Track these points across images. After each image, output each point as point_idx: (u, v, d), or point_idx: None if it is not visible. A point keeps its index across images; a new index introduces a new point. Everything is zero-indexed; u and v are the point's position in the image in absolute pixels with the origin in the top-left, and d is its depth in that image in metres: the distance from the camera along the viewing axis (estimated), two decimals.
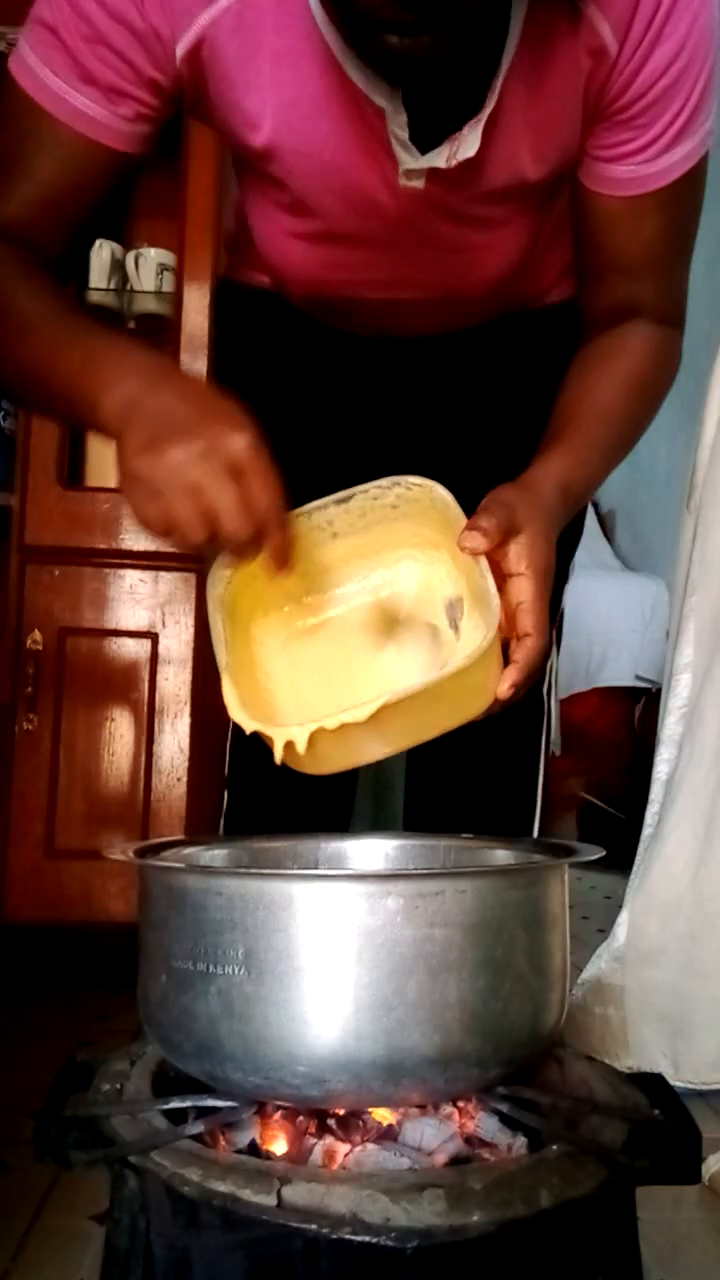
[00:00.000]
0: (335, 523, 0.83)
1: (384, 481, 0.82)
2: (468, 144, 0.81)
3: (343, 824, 1.16)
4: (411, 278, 0.97)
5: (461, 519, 0.77)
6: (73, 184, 0.85)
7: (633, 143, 0.84)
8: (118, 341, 0.80)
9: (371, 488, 0.82)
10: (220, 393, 0.76)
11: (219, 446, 0.71)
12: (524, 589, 0.76)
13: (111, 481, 2.02)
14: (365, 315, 1.03)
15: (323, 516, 0.83)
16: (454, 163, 0.81)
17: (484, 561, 0.75)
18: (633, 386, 0.93)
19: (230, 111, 0.84)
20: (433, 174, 0.84)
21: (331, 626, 0.86)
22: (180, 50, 0.79)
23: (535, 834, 1.18)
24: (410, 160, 0.82)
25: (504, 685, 0.74)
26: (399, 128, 0.80)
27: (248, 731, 0.72)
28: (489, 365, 1.10)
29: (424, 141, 0.82)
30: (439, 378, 1.10)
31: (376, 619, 0.85)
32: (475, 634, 0.79)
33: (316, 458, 1.09)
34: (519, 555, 0.76)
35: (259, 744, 0.73)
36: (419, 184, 0.84)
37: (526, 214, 0.94)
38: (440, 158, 0.81)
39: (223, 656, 0.76)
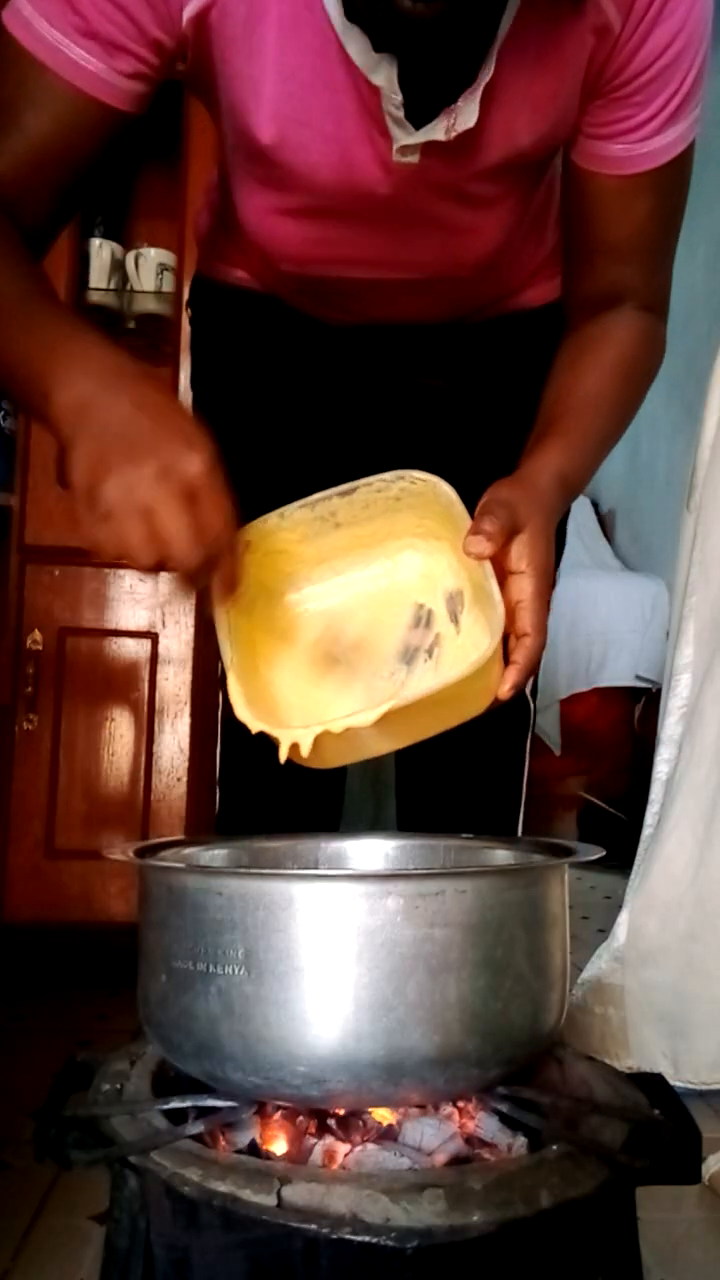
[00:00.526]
0: (338, 513, 0.83)
1: (388, 475, 0.82)
2: (466, 115, 0.81)
3: (333, 823, 1.16)
4: (401, 257, 0.97)
5: (465, 516, 0.77)
6: (63, 140, 0.83)
7: (628, 121, 0.85)
8: (81, 334, 0.77)
9: (376, 480, 0.83)
10: (176, 403, 0.74)
11: (173, 468, 0.69)
12: (524, 587, 0.76)
13: None
14: (352, 297, 1.03)
15: (326, 507, 0.83)
16: (453, 134, 0.81)
17: (488, 564, 0.75)
18: (622, 374, 0.93)
19: (233, 78, 0.83)
20: (428, 149, 0.84)
21: (333, 615, 0.86)
22: (189, 12, 0.79)
23: (520, 827, 1.19)
24: (405, 136, 0.82)
25: (505, 687, 0.75)
26: (394, 106, 0.80)
27: (253, 731, 0.72)
28: (470, 362, 1.10)
29: (419, 118, 0.82)
30: (420, 372, 1.10)
31: (321, 652, 0.85)
32: (475, 629, 0.79)
33: (297, 452, 1.09)
34: (520, 554, 0.76)
35: (250, 745, 0.73)
36: (413, 159, 0.84)
37: (515, 194, 0.94)
38: (439, 130, 0.81)
39: (228, 652, 0.77)
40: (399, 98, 0.80)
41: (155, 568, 0.71)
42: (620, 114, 0.85)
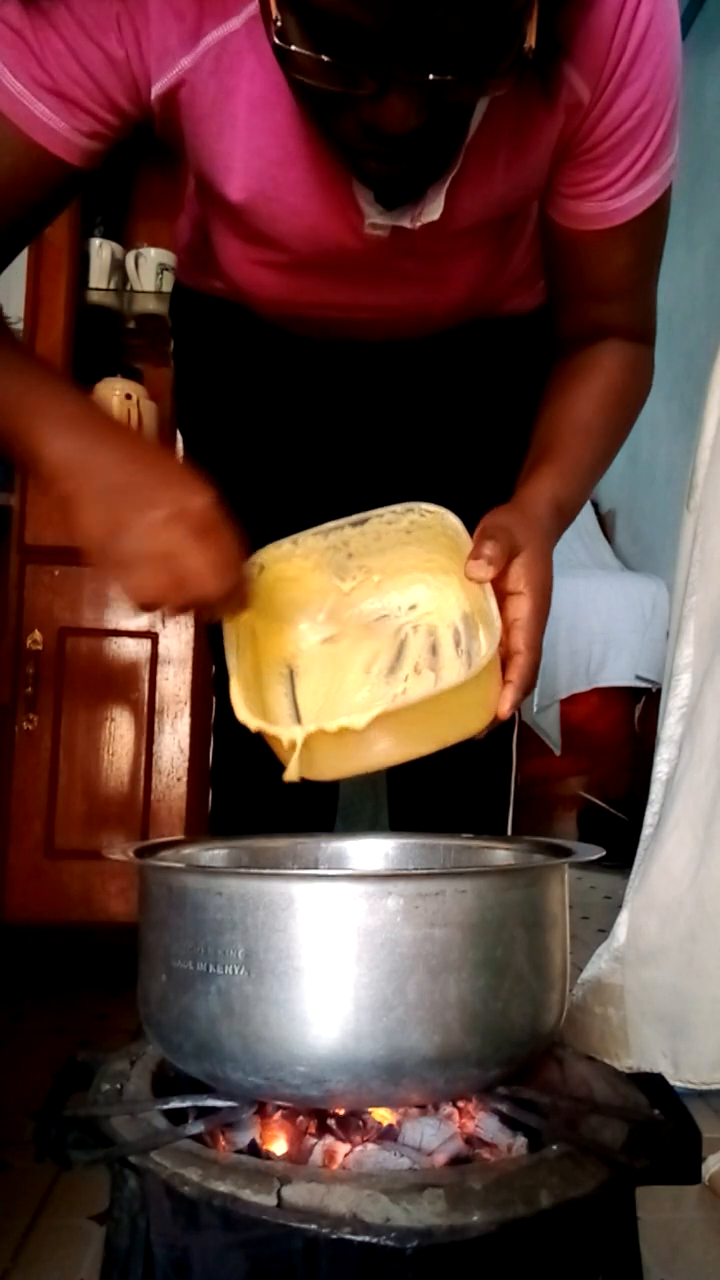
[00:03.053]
0: (350, 543, 0.86)
1: (398, 507, 0.85)
2: (432, 208, 0.82)
3: (327, 823, 1.16)
4: (376, 303, 0.98)
5: (470, 546, 0.78)
6: (12, 189, 0.81)
7: (597, 181, 0.85)
8: (52, 384, 0.80)
9: (386, 512, 0.85)
10: (163, 449, 0.77)
11: (180, 510, 0.73)
12: (521, 607, 0.78)
13: None
14: (330, 329, 1.05)
15: (339, 537, 0.86)
16: (419, 224, 0.83)
17: (488, 586, 0.77)
18: (611, 402, 0.95)
19: (202, 152, 0.84)
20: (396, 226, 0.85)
21: (342, 645, 0.87)
22: (157, 90, 0.78)
23: (509, 825, 1.21)
24: (375, 215, 0.83)
25: (505, 705, 0.76)
26: (362, 192, 0.81)
27: (252, 729, 0.73)
28: (452, 371, 1.10)
29: (390, 198, 0.82)
30: (402, 383, 1.11)
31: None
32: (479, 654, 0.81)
33: (280, 464, 1.09)
34: (518, 575, 0.78)
35: (244, 744, 0.75)
36: (384, 234, 0.85)
37: (488, 246, 0.96)
38: (405, 218, 0.83)
39: (233, 660, 0.78)
40: (370, 191, 0.81)
41: (185, 608, 0.75)
42: (589, 175, 0.85)
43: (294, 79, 0.67)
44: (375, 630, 0.88)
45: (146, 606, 0.75)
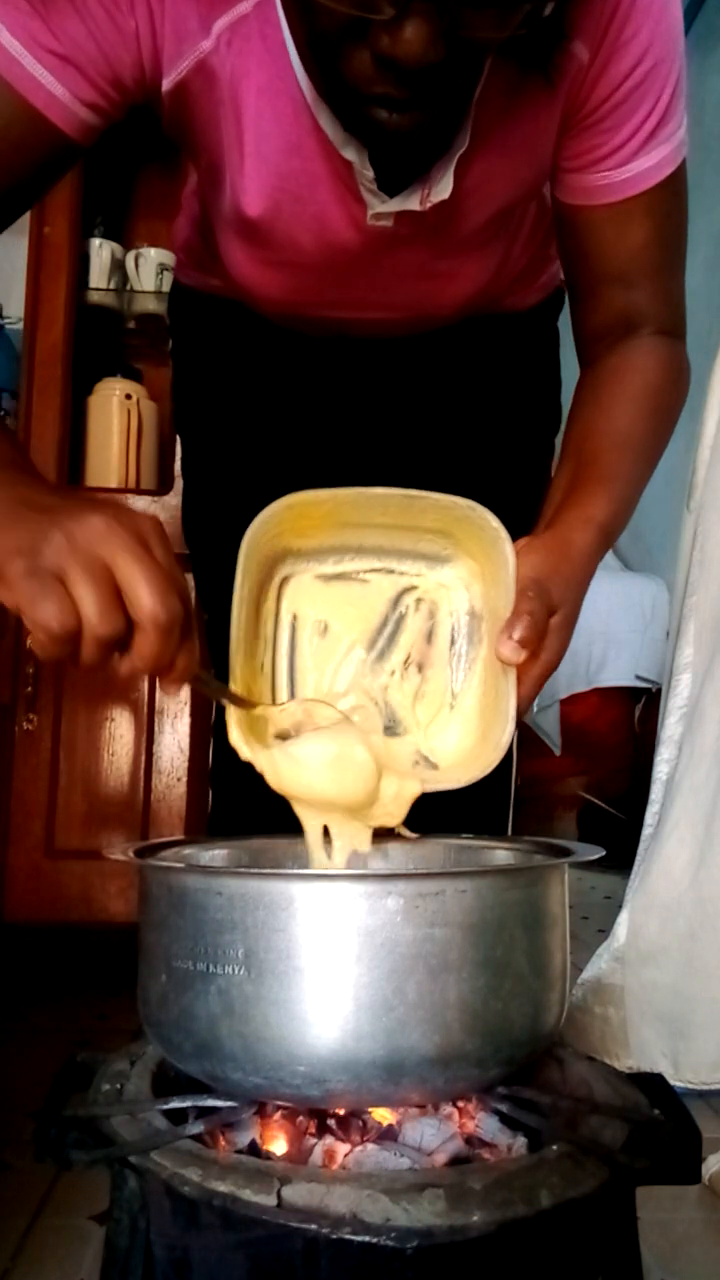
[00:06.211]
0: (390, 509, 0.80)
1: (461, 500, 0.78)
2: (442, 185, 0.80)
3: None
4: (381, 301, 0.97)
5: (510, 586, 0.74)
6: (4, 153, 0.76)
7: (601, 149, 0.83)
8: None
9: (445, 498, 0.78)
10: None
11: (121, 518, 0.59)
12: (531, 670, 0.75)
13: (113, 481, 2.02)
14: (331, 327, 1.04)
15: (380, 497, 0.79)
16: (429, 205, 0.80)
17: (513, 674, 0.74)
18: (651, 407, 0.89)
19: (212, 136, 0.82)
20: (403, 214, 0.83)
21: (340, 589, 0.85)
22: (168, 83, 0.77)
23: (510, 826, 1.20)
24: (378, 204, 0.82)
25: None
26: (366, 180, 0.80)
27: (243, 757, 0.74)
28: (451, 368, 1.10)
29: (392, 184, 0.81)
30: (401, 380, 1.10)
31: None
32: (472, 679, 0.82)
33: (280, 462, 1.09)
34: (544, 641, 0.75)
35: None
36: (388, 223, 0.84)
37: (496, 238, 0.94)
38: (414, 200, 0.80)
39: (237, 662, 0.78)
40: (370, 173, 0.79)
41: (111, 641, 0.60)
42: (592, 142, 0.83)
43: (309, 8, 0.64)
44: (374, 588, 0.84)
45: (58, 639, 0.59)
